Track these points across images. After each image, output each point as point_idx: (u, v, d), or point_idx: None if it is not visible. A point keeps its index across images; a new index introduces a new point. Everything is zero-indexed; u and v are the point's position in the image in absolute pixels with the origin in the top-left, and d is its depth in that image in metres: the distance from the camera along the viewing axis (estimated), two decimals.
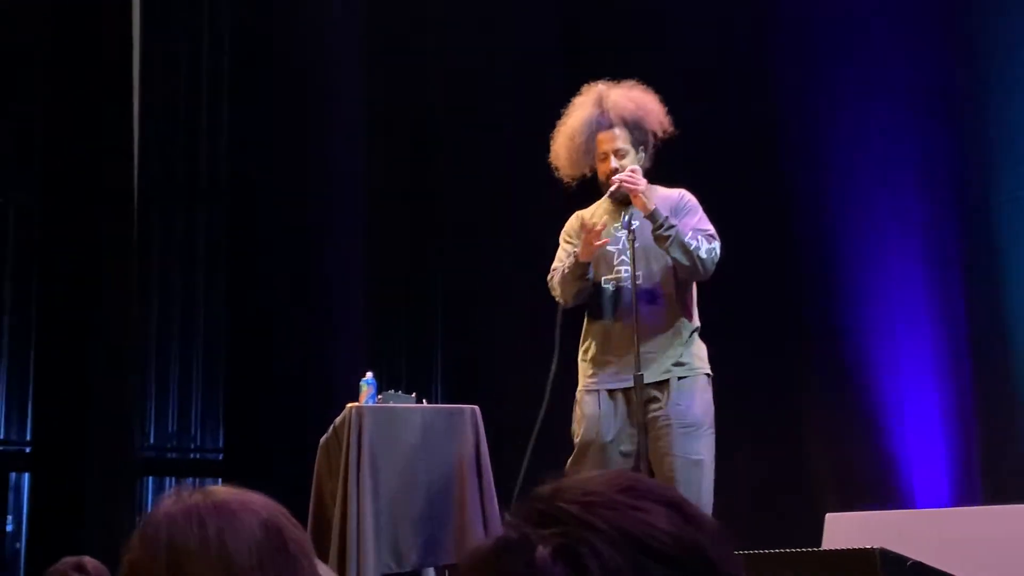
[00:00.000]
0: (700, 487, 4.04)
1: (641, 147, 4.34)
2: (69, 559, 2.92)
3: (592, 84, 4.44)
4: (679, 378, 4.18)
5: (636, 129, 4.33)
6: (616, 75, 4.56)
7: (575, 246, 4.36)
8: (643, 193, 4.15)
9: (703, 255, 4.14)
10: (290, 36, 7.33)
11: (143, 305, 6.97)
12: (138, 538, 1.29)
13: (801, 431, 6.45)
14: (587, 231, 4.18)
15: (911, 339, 6.39)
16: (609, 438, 4.20)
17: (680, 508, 0.88)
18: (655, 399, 4.16)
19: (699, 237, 4.19)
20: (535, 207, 7.07)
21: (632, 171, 4.18)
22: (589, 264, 4.24)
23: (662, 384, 4.16)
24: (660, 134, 4.42)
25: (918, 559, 2.44)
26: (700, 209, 4.37)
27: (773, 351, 6.50)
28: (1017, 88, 6.17)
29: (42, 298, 6.78)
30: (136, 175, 6.78)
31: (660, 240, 4.15)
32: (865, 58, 6.64)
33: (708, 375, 4.29)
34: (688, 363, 4.23)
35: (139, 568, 1.27)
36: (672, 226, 4.13)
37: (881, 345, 6.45)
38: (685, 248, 4.12)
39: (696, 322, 4.33)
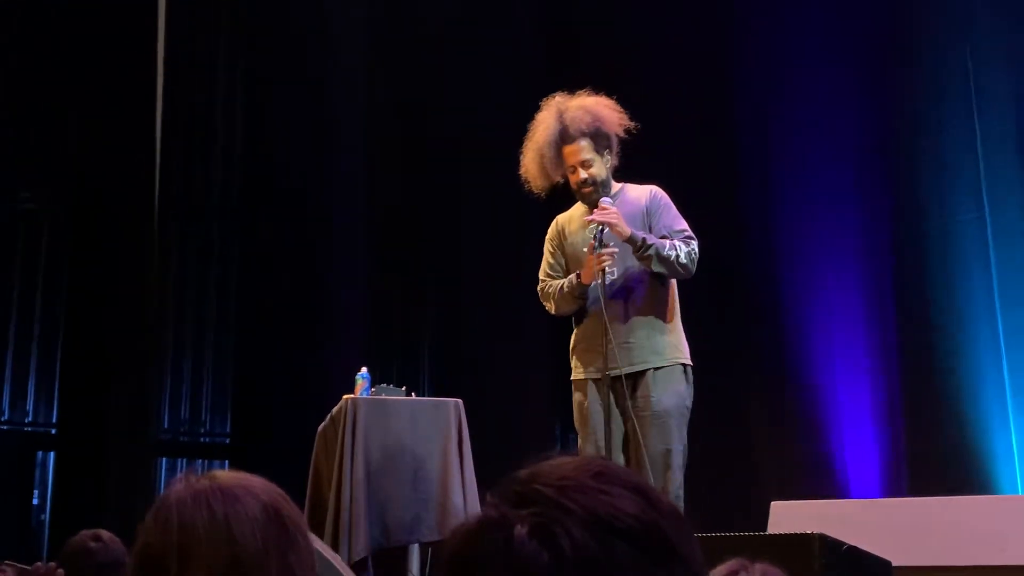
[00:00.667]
0: (669, 474, 3.95)
1: (605, 151, 4.20)
2: (87, 531, 2.89)
3: (549, 99, 4.29)
4: (655, 368, 4.06)
5: (597, 137, 4.18)
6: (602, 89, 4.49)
7: (555, 255, 4.30)
8: (618, 224, 4.00)
9: (683, 260, 4.03)
10: (298, 69, 7.32)
11: (161, 303, 6.95)
12: (152, 520, 1.29)
13: (749, 428, 6.47)
14: (591, 256, 4.02)
15: (847, 347, 6.42)
16: (599, 423, 4.11)
17: (644, 493, 0.87)
18: (634, 389, 4.05)
19: (677, 244, 4.05)
20: (515, 217, 7.09)
21: (603, 209, 4.02)
22: (589, 285, 4.10)
23: (640, 374, 4.05)
24: (621, 134, 4.28)
25: (853, 544, 2.42)
26: (672, 205, 4.24)
27: (724, 356, 6.48)
28: (944, 128, 6.21)
29: (70, 296, 6.77)
30: (157, 185, 6.76)
31: (643, 260, 4.05)
32: (813, 98, 6.66)
33: (685, 365, 4.14)
34: (664, 353, 4.09)
35: (152, 548, 1.27)
36: (650, 246, 4.01)
37: (820, 352, 6.48)
38: (665, 260, 4.01)
39: (676, 313, 4.20)
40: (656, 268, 4.05)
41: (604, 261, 3.97)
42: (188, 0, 7.26)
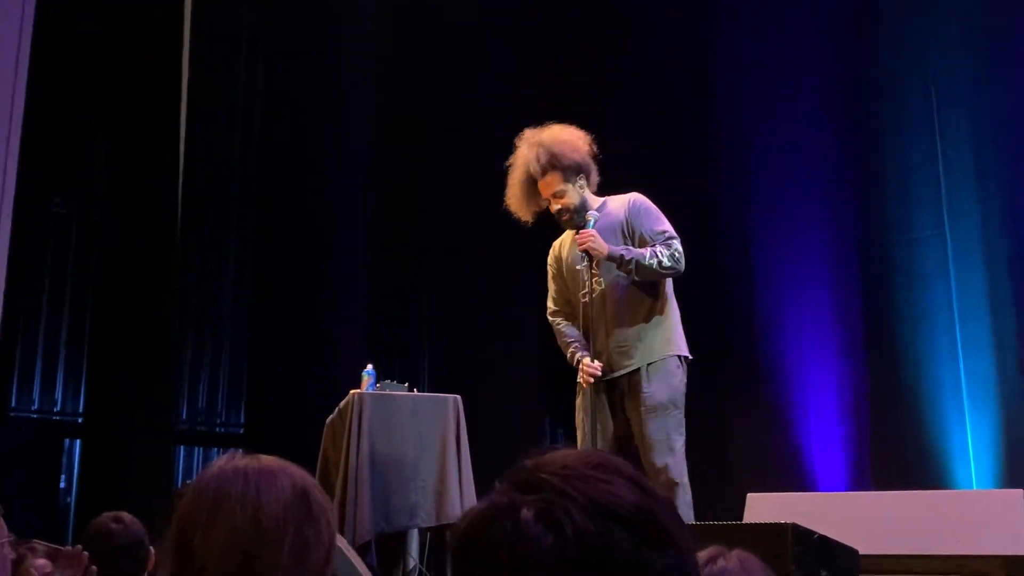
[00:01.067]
0: (671, 461, 3.87)
1: (577, 177, 4.12)
2: (108, 514, 2.88)
3: (521, 135, 4.26)
4: (648, 364, 3.97)
5: (566, 167, 4.11)
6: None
7: (557, 280, 4.26)
8: (596, 248, 3.97)
9: (667, 263, 3.95)
10: (309, 77, 7.32)
11: (181, 303, 6.95)
12: (193, 486, 1.34)
13: (726, 425, 6.43)
14: (583, 369, 4.00)
15: (817, 351, 6.41)
16: (588, 424, 4.04)
17: (640, 483, 0.88)
18: (630, 386, 3.99)
19: (658, 250, 3.96)
20: (513, 223, 7.09)
21: (581, 236, 4.01)
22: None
23: (635, 372, 3.98)
24: (588, 151, 4.20)
25: (823, 533, 2.43)
26: (652, 208, 4.14)
27: (703, 357, 6.48)
28: (909, 153, 6.23)
29: (96, 295, 6.76)
30: (179, 195, 6.77)
31: (627, 273, 4.00)
32: (791, 124, 6.66)
33: (679, 357, 4.03)
34: (656, 348, 4.00)
35: (189, 508, 1.30)
36: (629, 260, 3.96)
37: (792, 355, 6.48)
38: (647, 269, 3.95)
39: (668, 308, 4.09)
40: (640, 278, 4.01)
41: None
42: (210, 12, 7.24)
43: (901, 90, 6.29)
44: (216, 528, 1.26)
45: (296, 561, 1.27)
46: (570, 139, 4.18)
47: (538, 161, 4.11)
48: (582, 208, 4.13)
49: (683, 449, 3.95)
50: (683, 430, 3.97)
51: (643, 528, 0.84)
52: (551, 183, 4.12)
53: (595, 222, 4.09)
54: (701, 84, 6.97)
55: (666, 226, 4.07)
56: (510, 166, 4.28)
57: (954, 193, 6.02)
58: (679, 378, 4.02)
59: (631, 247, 4.05)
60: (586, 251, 4.02)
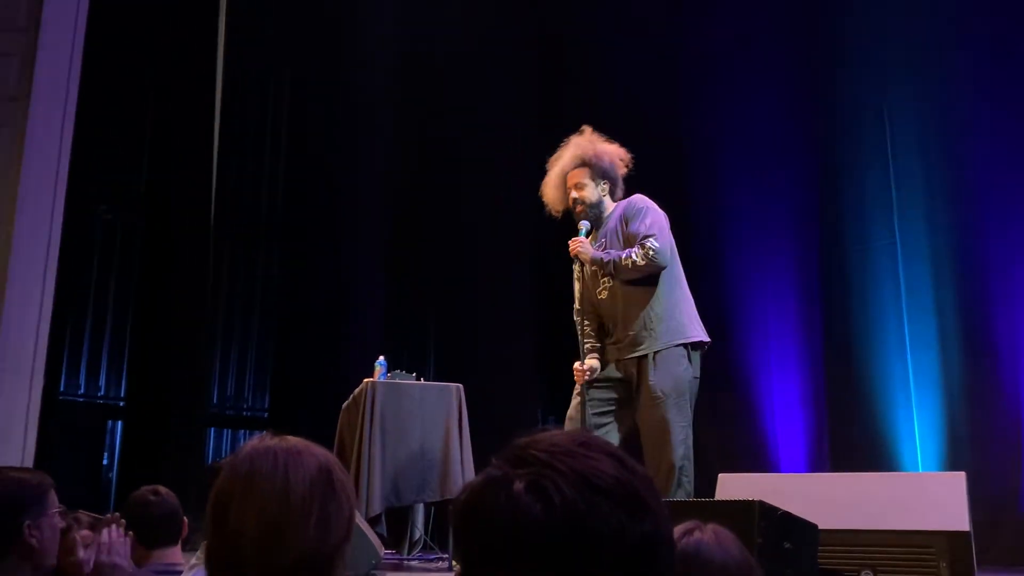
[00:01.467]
0: (668, 448, 3.74)
1: (602, 180, 4.13)
2: (147, 487, 2.87)
3: (567, 140, 4.24)
4: (655, 352, 3.86)
5: (594, 167, 4.12)
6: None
7: (578, 282, 4.19)
8: (582, 255, 4.00)
9: (640, 262, 3.87)
10: (331, 109, 7.33)
11: (214, 299, 6.95)
12: (227, 465, 1.34)
13: (700, 413, 6.36)
14: (577, 373, 3.99)
15: (780, 347, 6.41)
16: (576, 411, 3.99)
17: (621, 459, 0.88)
18: (640, 372, 3.89)
19: (634, 250, 3.90)
20: (513, 232, 7.10)
21: (571, 244, 4.04)
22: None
23: (644, 359, 3.88)
24: (622, 167, 4.20)
25: (787, 510, 2.43)
26: (645, 209, 4.04)
27: None
28: (864, 169, 6.21)
29: (138, 292, 6.76)
30: (213, 200, 6.76)
31: (610, 276, 3.99)
32: (758, 143, 6.65)
33: (685, 345, 3.91)
34: (662, 338, 3.88)
35: (224, 483, 1.31)
36: (607, 263, 3.96)
37: (757, 349, 6.47)
38: (625, 269, 3.91)
39: (675, 298, 3.98)
40: (620, 278, 3.97)
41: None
42: (244, 41, 7.24)
43: (856, 111, 6.27)
44: (249, 503, 1.27)
45: (321, 533, 1.28)
46: (609, 150, 4.19)
47: (575, 155, 4.15)
48: (596, 206, 4.13)
49: (685, 435, 3.82)
50: (686, 418, 3.84)
51: (623, 499, 0.84)
52: (577, 175, 4.14)
53: (586, 232, 4.09)
54: (677, 110, 6.97)
55: (646, 227, 3.96)
56: (551, 163, 4.27)
57: (904, 206, 6.00)
58: (684, 367, 3.89)
59: (612, 250, 4.02)
60: (576, 256, 4.04)
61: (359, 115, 7.35)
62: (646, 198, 4.11)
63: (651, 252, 3.88)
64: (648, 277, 3.94)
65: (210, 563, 1.31)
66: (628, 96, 6.99)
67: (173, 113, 6.68)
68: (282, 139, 7.60)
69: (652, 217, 4.00)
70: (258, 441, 1.35)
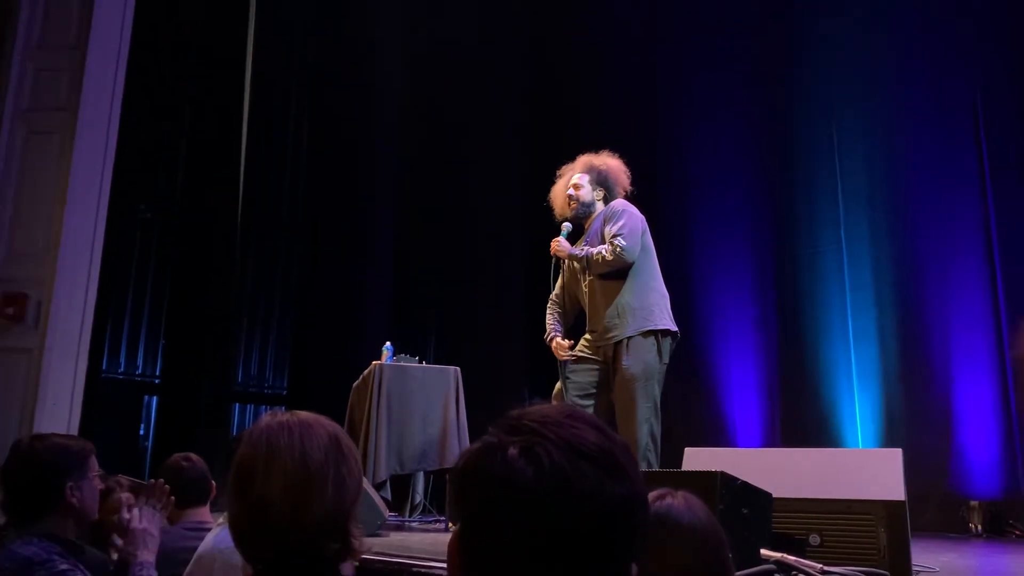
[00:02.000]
0: (634, 426, 3.69)
1: (599, 186, 4.09)
2: (179, 454, 2.86)
3: (579, 157, 4.22)
4: (627, 338, 3.81)
5: (595, 172, 4.09)
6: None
7: (563, 276, 4.16)
8: (561, 250, 3.99)
9: (608, 258, 3.83)
10: (346, 120, 7.30)
11: (240, 288, 6.93)
12: (247, 439, 1.33)
13: (666, 395, 6.37)
14: (555, 347, 3.98)
15: (739, 337, 6.40)
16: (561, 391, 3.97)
17: (602, 430, 0.88)
18: (615, 356, 3.85)
19: (604, 248, 3.86)
20: (502, 242, 7.08)
21: (552, 244, 4.01)
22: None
23: (620, 344, 3.83)
24: (622, 183, 4.15)
25: (745, 480, 2.41)
26: (622, 211, 3.96)
27: None
28: (814, 181, 6.21)
29: (173, 282, 6.73)
30: (240, 200, 6.74)
31: (584, 270, 3.98)
32: (721, 159, 6.63)
33: (655, 333, 3.82)
34: (631, 325, 3.81)
35: (245, 459, 1.30)
36: (581, 259, 3.93)
37: (719, 340, 6.46)
38: (596, 262, 3.88)
39: (647, 290, 3.90)
40: (591, 272, 3.94)
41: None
42: (270, 57, 7.21)
43: (810, 133, 6.27)
44: (272, 474, 1.26)
45: (337, 493, 1.28)
46: (613, 165, 4.16)
47: (583, 162, 4.14)
48: (587, 206, 4.08)
49: (650, 415, 3.76)
50: (652, 400, 3.78)
51: (604, 464, 0.84)
52: (579, 177, 4.11)
53: (566, 233, 4.07)
54: (652, 129, 6.94)
55: (617, 227, 3.91)
56: (560, 175, 4.22)
57: (850, 215, 6.01)
58: (653, 354, 3.81)
59: (589, 247, 3.97)
60: (555, 253, 4.03)
61: (371, 127, 7.34)
62: (626, 203, 4.07)
63: (618, 249, 3.84)
64: (620, 272, 3.90)
65: (236, 529, 1.29)
66: (608, 111, 6.99)
67: (206, 123, 6.66)
68: (303, 146, 7.57)
69: (625, 219, 3.95)
70: (271, 417, 1.34)
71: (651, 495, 1.39)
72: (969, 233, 5.52)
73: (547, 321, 4.14)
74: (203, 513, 2.77)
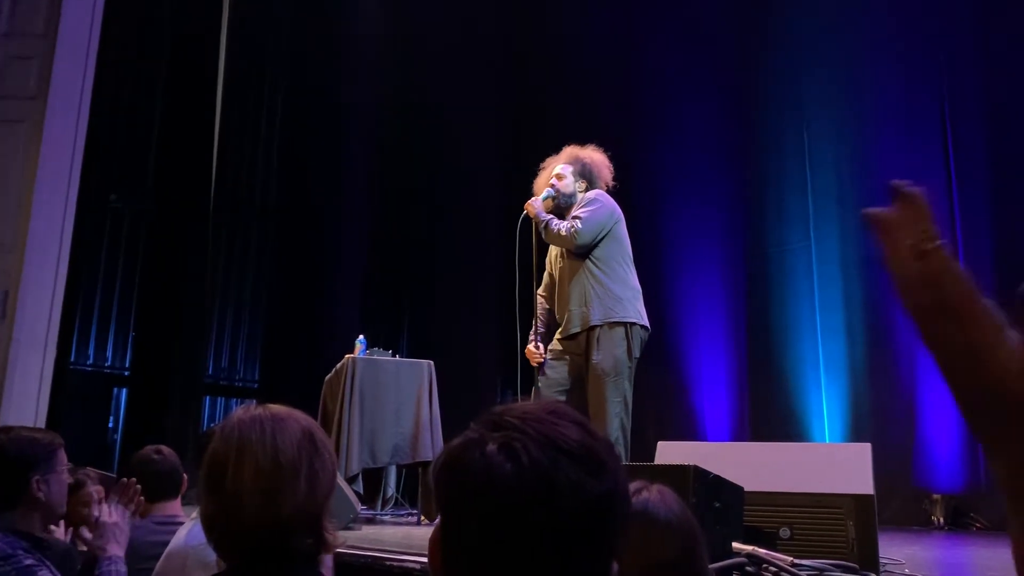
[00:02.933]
0: (605, 419, 3.65)
1: (581, 177, 4.06)
2: (150, 447, 2.82)
3: (564, 148, 4.20)
4: (593, 328, 3.77)
5: (578, 164, 4.07)
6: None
7: (548, 266, 4.13)
8: (531, 207, 3.95)
9: (563, 232, 3.82)
10: (318, 108, 7.24)
11: (211, 280, 6.84)
12: (219, 432, 1.31)
13: (639, 390, 6.37)
14: (531, 355, 3.97)
15: (710, 333, 6.44)
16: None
17: (584, 425, 0.88)
18: (587, 346, 3.81)
19: (565, 223, 3.86)
20: (476, 238, 7.06)
21: (529, 202, 3.99)
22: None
23: (590, 332, 3.78)
24: (604, 177, 4.11)
25: (717, 473, 2.42)
26: (594, 199, 3.94)
27: None
28: (784, 180, 6.26)
29: (142, 272, 6.64)
30: (212, 189, 6.65)
31: (540, 233, 3.93)
32: (692, 157, 6.67)
33: (624, 323, 3.77)
34: (598, 315, 3.77)
35: (217, 453, 1.28)
36: (542, 222, 3.89)
37: (690, 336, 6.49)
38: (549, 232, 3.87)
39: (614, 281, 3.85)
40: (548, 239, 3.92)
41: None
42: (243, 43, 7.12)
43: (779, 133, 6.31)
44: (244, 469, 1.24)
45: (310, 488, 1.26)
46: (596, 159, 4.14)
47: (567, 153, 4.11)
48: (569, 196, 4.04)
49: (620, 409, 3.72)
50: (622, 394, 3.74)
51: (584, 460, 0.83)
52: (562, 168, 4.08)
53: (544, 196, 4.02)
54: (627, 126, 6.95)
55: (582, 211, 3.90)
56: (544, 168, 4.18)
57: (819, 214, 6.06)
58: (623, 348, 3.76)
59: (556, 219, 3.95)
60: (526, 209, 4.01)
61: (344, 114, 7.27)
62: (603, 193, 4.05)
63: (573, 230, 3.83)
64: (590, 264, 3.87)
65: (208, 524, 1.27)
66: (581, 107, 6.99)
67: (178, 112, 6.55)
68: (276, 135, 7.49)
69: (594, 207, 3.92)
70: (243, 411, 1.32)
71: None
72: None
73: (536, 318, 4.08)
74: (174, 507, 2.73)
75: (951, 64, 5.64)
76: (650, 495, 1.39)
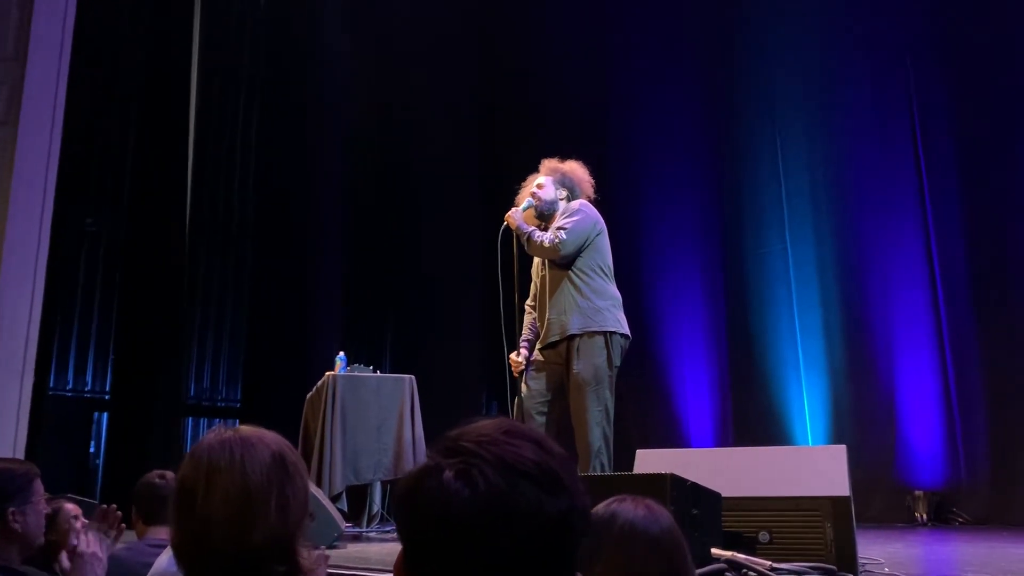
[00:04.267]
0: (586, 429, 3.64)
1: (562, 187, 4.05)
2: (155, 471, 2.78)
3: (543, 162, 4.19)
4: (576, 336, 3.75)
5: (559, 175, 4.06)
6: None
7: (534, 276, 4.12)
8: (512, 219, 3.95)
9: (546, 244, 3.82)
10: (295, 125, 7.24)
11: (190, 302, 6.81)
12: (188, 458, 1.29)
13: (621, 397, 6.34)
14: (513, 363, 3.97)
15: (691, 337, 6.46)
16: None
17: (541, 443, 0.88)
18: (568, 354, 3.80)
19: (547, 234, 3.85)
20: (458, 250, 7.06)
21: (509, 214, 3.98)
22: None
23: (570, 341, 3.77)
24: (585, 188, 4.10)
25: (695, 480, 2.43)
26: (577, 210, 3.93)
27: None
28: (759, 184, 6.31)
29: (121, 296, 6.59)
30: (188, 212, 6.64)
31: (524, 246, 3.93)
32: (670, 158, 6.70)
33: (604, 333, 3.76)
34: (579, 324, 3.76)
35: (187, 479, 1.27)
36: (524, 233, 3.89)
37: (671, 341, 6.52)
38: (532, 243, 3.86)
39: (595, 291, 3.84)
40: (530, 251, 3.91)
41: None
42: (217, 63, 7.11)
43: (753, 138, 6.37)
44: (213, 495, 1.23)
45: (281, 514, 1.25)
46: (578, 171, 4.13)
47: (548, 167, 4.11)
48: (550, 204, 4.03)
49: (602, 418, 3.70)
50: (603, 403, 3.72)
51: (542, 480, 0.84)
52: (543, 179, 4.07)
53: (524, 207, 4.02)
54: (604, 131, 7.00)
55: (566, 221, 3.89)
56: (521, 186, 4.18)
57: (794, 216, 6.11)
58: (603, 358, 3.75)
59: (536, 229, 3.95)
60: (506, 220, 4.00)
61: (321, 132, 7.28)
62: (587, 204, 4.04)
63: (556, 240, 3.82)
64: (573, 273, 3.86)
65: (179, 550, 1.26)
66: (559, 114, 7.03)
67: (151, 133, 6.53)
68: (251, 154, 7.47)
69: (578, 218, 3.92)
70: (214, 435, 1.30)
71: (610, 501, 1.40)
72: (908, 230, 5.66)
73: (525, 328, 4.06)
74: (167, 531, 2.71)
75: (917, 63, 5.71)
76: (637, 508, 1.38)
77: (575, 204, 4.01)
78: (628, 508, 1.39)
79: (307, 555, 1.29)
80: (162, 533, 2.65)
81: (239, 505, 1.22)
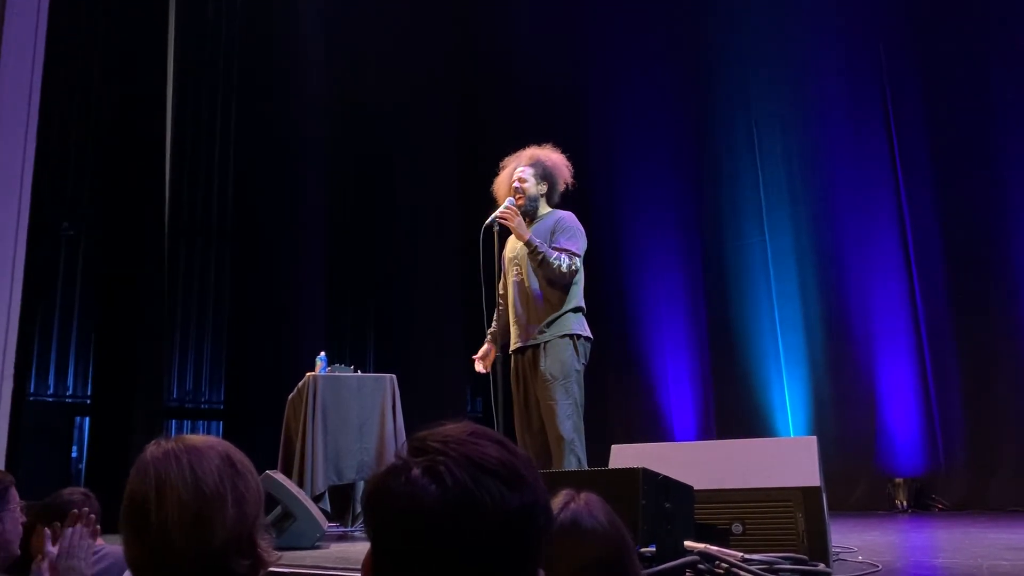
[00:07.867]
0: (557, 421, 3.70)
1: (543, 180, 4.04)
2: (74, 489, 2.76)
3: (524, 149, 4.16)
4: (546, 342, 3.81)
5: (539, 167, 4.05)
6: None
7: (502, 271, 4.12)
8: (516, 227, 3.87)
9: (563, 269, 3.82)
10: (273, 125, 7.24)
11: (171, 303, 6.82)
12: (134, 473, 1.25)
13: (602, 392, 6.34)
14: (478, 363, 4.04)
15: (671, 330, 6.51)
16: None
17: (503, 443, 0.91)
18: (535, 359, 3.85)
19: (562, 256, 3.83)
20: (438, 251, 7.10)
21: (506, 211, 3.88)
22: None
23: (539, 346, 3.84)
24: (564, 178, 4.10)
25: (667, 474, 2.41)
26: (571, 228, 3.94)
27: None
28: (737, 177, 6.37)
29: (100, 300, 6.59)
30: (167, 213, 6.63)
31: (531, 258, 3.88)
32: (648, 150, 6.77)
33: (571, 336, 3.82)
34: (554, 330, 3.82)
35: (135, 494, 1.23)
36: (541, 252, 3.84)
37: (651, 334, 6.57)
38: (549, 265, 3.83)
39: (571, 301, 3.88)
40: (540, 269, 3.87)
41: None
42: (193, 62, 7.11)
43: (730, 130, 6.42)
44: (166, 506, 1.21)
45: (239, 510, 1.24)
46: (557, 160, 4.12)
47: (528, 155, 4.09)
48: (533, 200, 4.03)
49: (572, 411, 3.76)
50: (573, 397, 3.79)
51: (506, 476, 0.87)
52: (524, 171, 4.05)
53: (511, 203, 3.98)
54: (583, 126, 7.04)
55: (572, 247, 3.91)
56: (503, 167, 4.16)
57: (771, 207, 6.16)
58: (570, 354, 3.81)
59: (547, 245, 3.93)
60: (505, 222, 3.91)
61: (300, 129, 7.29)
62: (572, 216, 4.05)
63: (573, 268, 3.86)
64: (549, 283, 3.90)
65: (135, 565, 1.24)
66: (536, 110, 7.05)
67: (128, 136, 6.53)
68: (230, 154, 7.48)
69: (581, 241, 3.96)
70: (155, 447, 1.27)
71: (555, 500, 1.45)
72: (884, 220, 5.72)
73: (490, 327, 4.12)
74: None
75: (890, 53, 5.79)
76: (577, 505, 1.44)
77: (570, 220, 4.01)
78: (569, 504, 1.42)
79: (266, 546, 1.29)
80: None
81: (195, 510, 1.21)
